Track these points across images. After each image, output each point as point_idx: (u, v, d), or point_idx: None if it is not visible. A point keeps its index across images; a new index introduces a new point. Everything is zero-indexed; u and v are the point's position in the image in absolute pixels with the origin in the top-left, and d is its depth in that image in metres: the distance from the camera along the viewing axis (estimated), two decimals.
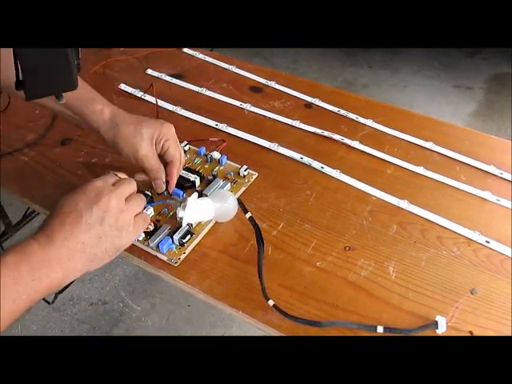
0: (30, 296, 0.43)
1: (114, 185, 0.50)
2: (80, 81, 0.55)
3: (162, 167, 0.60)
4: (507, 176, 0.68)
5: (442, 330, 0.48)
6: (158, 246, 0.56)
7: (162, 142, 0.59)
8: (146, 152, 0.58)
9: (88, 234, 0.46)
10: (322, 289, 0.53)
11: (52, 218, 0.47)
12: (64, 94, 0.51)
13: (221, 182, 0.64)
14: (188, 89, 0.86)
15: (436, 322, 0.49)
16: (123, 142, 0.58)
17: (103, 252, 0.48)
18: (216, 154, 0.69)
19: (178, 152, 0.60)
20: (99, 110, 0.58)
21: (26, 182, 0.66)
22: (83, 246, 0.46)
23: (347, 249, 0.58)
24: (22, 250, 0.44)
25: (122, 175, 0.53)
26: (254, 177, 0.67)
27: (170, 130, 0.60)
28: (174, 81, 0.88)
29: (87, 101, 0.58)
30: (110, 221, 0.48)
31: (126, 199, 0.50)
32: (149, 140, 0.58)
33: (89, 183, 0.50)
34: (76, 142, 0.73)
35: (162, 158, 0.60)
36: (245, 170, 0.67)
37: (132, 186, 0.52)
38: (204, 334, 1.27)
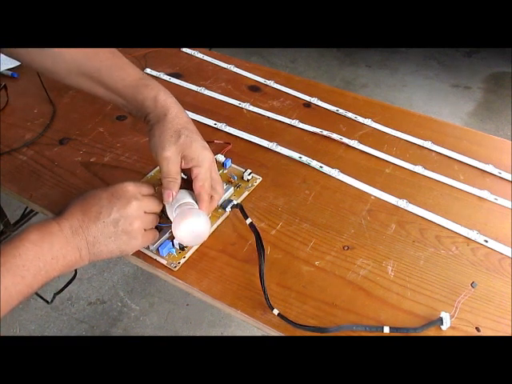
0: (48, 273, 0.45)
1: (143, 196, 0.52)
2: (135, 68, 0.58)
3: (179, 180, 0.54)
4: (506, 175, 0.68)
5: (446, 326, 0.49)
6: (157, 250, 0.56)
7: (191, 164, 0.54)
8: (170, 155, 0.53)
9: (101, 231, 0.49)
10: (321, 288, 0.53)
11: (75, 205, 0.49)
12: (117, 84, 0.56)
13: (224, 186, 0.63)
14: (186, 88, 0.86)
15: (441, 319, 0.49)
16: (158, 133, 0.54)
17: (108, 251, 0.50)
18: (220, 157, 0.68)
19: (207, 183, 0.54)
20: (152, 96, 0.56)
21: (25, 182, 0.66)
22: (94, 240, 0.48)
23: (346, 248, 0.58)
24: (44, 229, 0.46)
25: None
26: (258, 181, 0.66)
27: (206, 159, 0.54)
28: (173, 80, 0.88)
29: (141, 87, 0.56)
30: (124, 226, 0.49)
31: (145, 212, 0.52)
32: (180, 147, 0.53)
33: (122, 183, 0.51)
34: (74, 142, 0.73)
35: (193, 183, 0.55)
36: (249, 174, 0.65)
37: (157, 207, 0.54)
38: (203, 333, 1.27)
